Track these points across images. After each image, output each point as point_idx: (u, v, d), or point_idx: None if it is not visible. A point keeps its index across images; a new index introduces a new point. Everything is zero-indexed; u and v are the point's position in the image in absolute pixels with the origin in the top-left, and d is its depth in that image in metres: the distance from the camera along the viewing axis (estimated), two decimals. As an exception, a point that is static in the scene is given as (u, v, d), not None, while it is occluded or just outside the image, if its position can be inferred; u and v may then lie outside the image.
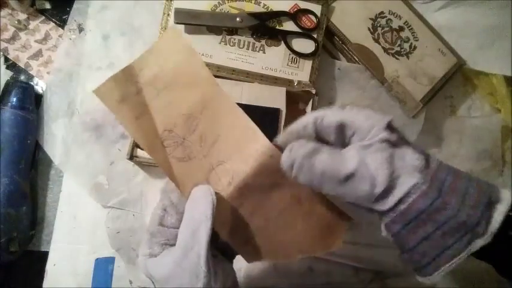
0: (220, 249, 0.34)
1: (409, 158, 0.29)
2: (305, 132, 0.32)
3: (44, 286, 0.52)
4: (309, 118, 0.32)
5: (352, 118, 0.30)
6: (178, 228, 0.31)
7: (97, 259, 0.53)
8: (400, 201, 0.28)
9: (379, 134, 0.29)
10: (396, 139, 0.30)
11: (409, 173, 0.28)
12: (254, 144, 0.34)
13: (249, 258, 0.35)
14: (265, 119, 0.53)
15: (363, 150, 0.29)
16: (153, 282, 0.32)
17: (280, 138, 0.34)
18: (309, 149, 0.30)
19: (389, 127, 0.30)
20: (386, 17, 0.58)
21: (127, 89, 0.32)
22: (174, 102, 0.34)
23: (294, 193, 0.35)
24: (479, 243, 0.27)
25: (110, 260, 0.53)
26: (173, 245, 0.31)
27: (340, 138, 0.31)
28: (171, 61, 0.34)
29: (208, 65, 0.53)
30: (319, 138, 0.32)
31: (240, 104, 0.35)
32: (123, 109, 0.32)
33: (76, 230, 0.53)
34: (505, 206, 0.27)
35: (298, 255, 0.36)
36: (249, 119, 0.35)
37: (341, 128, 0.31)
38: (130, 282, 0.52)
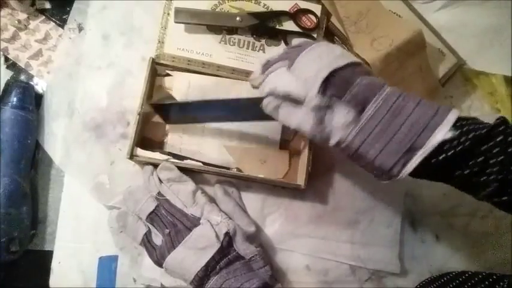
0: None
1: (337, 117, 0.36)
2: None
3: (50, 284, 0.52)
4: (264, 87, 0.40)
5: (290, 89, 0.37)
6: None
7: (100, 257, 0.53)
8: (337, 144, 0.37)
9: (312, 101, 0.36)
10: (328, 101, 0.36)
11: (337, 128, 0.36)
12: (403, 26, 0.53)
13: None
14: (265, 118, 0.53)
15: (303, 113, 0.37)
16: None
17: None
18: (275, 103, 0.39)
19: (325, 87, 0.36)
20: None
21: None
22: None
23: (419, 63, 0.54)
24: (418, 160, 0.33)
25: (113, 259, 0.53)
26: None
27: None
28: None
29: (208, 64, 0.54)
30: None
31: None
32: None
33: (79, 229, 0.53)
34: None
35: None
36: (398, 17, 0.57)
37: (288, 96, 0.38)
38: (134, 280, 0.52)
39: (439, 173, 0.35)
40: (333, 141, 0.37)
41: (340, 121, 0.36)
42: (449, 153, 0.33)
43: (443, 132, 0.33)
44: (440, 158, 0.33)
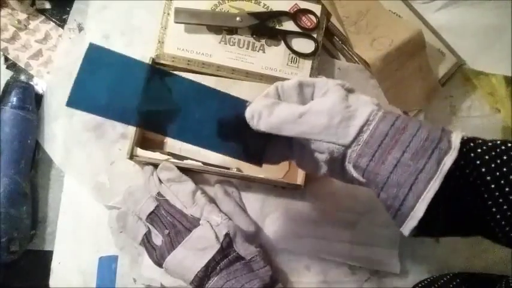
0: None
1: (363, 97, 0.32)
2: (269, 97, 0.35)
3: (50, 284, 0.52)
4: (271, 86, 0.35)
5: (309, 79, 0.34)
6: None
7: (100, 257, 0.53)
8: (361, 130, 0.30)
9: (335, 82, 0.33)
10: (351, 88, 0.33)
11: (365, 104, 0.31)
12: (403, 26, 0.53)
13: (389, 101, 0.54)
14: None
15: (321, 96, 0.33)
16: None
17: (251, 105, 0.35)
18: (268, 101, 0.33)
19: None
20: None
21: None
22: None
23: (419, 63, 0.54)
24: (448, 160, 0.27)
25: (113, 259, 0.53)
26: None
27: (301, 97, 0.34)
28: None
29: (208, 64, 0.54)
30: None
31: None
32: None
33: (79, 229, 0.53)
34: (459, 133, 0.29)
35: (414, 107, 0.55)
36: (397, 17, 0.56)
37: (300, 87, 0.34)
38: (134, 280, 0.52)
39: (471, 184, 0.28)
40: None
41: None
42: (478, 150, 0.28)
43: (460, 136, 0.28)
44: (472, 154, 0.28)
